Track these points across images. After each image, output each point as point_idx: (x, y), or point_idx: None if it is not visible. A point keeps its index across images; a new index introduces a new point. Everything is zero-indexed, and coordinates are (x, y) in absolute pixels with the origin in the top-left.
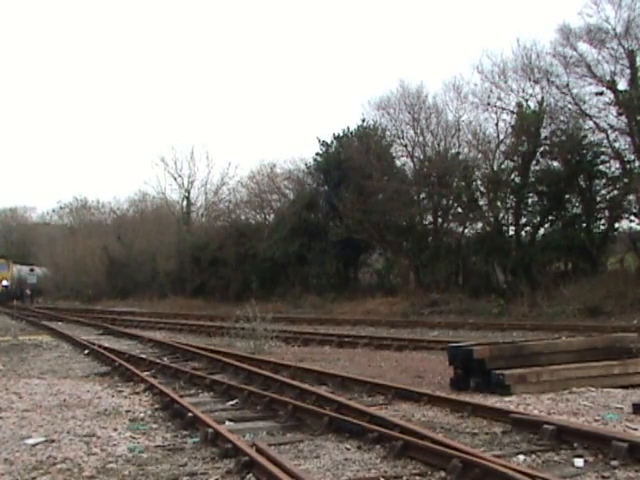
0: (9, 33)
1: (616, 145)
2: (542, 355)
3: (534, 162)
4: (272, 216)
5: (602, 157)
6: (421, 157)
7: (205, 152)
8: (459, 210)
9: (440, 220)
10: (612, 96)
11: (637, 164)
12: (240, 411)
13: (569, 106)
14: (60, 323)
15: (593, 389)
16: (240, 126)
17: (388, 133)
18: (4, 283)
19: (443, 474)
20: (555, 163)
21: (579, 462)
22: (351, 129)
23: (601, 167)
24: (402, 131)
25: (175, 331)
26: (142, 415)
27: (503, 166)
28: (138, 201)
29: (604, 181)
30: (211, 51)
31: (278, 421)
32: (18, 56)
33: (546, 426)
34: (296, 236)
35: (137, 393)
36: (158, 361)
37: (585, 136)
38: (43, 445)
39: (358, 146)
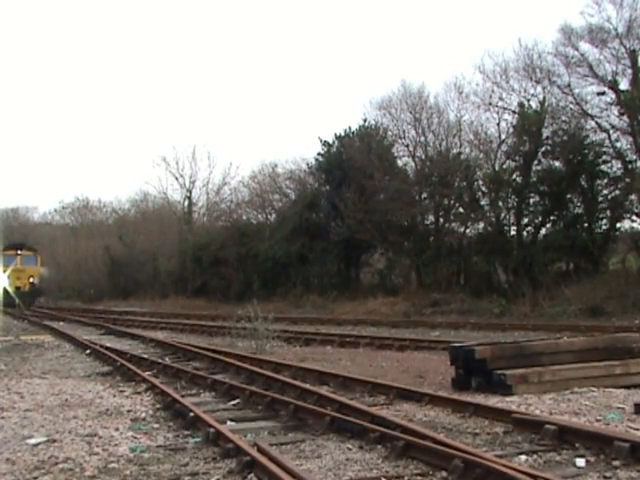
0: (11, 33)
1: (618, 145)
2: (544, 355)
3: (536, 162)
4: (274, 216)
5: (604, 157)
6: (422, 157)
7: (206, 152)
8: (460, 210)
9: (442, 220)
10: (614, 96)
11: (639, 164)
12: (241, 411)
13: (571, 106)
14: (62, 323)
15: (595, 389)
16: (242, 126)
17: (390, 133)
18: (31, 280)
19: (445, 474)
20: (557, 163)
21: (581, 462)
22: (353, 129)
23: (603, 167)
24: (404, 131)
25: (177, 331)
26: (144, 415)
27: (505, 166)
28: (139, 201)
29: (606, 181)
30: (213, 51)
31: (280, 421)
32: (20, 56)
33: (548, 426)
34: (297, 236)
35: (139, 393)
36: (160, 361)
37: (587, 136)
38: (45, 445)
39: (360, 146)
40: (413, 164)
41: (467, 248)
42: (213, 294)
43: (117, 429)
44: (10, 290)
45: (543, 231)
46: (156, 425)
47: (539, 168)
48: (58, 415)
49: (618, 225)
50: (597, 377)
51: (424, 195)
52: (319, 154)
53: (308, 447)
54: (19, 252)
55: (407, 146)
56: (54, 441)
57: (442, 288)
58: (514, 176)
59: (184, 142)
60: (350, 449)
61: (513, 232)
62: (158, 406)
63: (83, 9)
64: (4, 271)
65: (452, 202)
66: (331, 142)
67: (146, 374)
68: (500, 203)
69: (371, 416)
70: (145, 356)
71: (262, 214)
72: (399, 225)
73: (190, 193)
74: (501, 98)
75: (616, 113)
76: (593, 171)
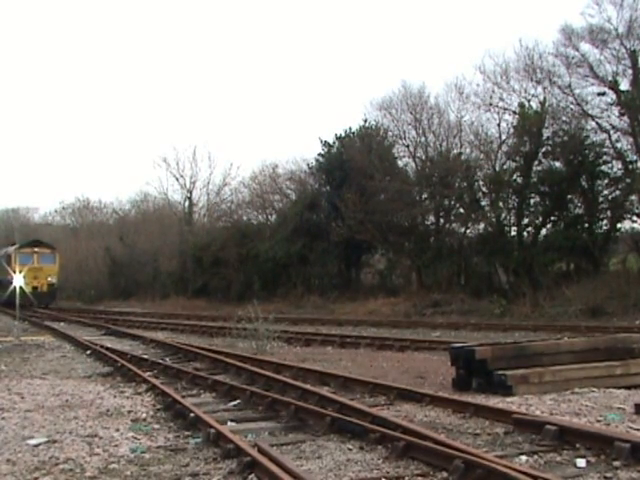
0: (12, 34)
1: (618, 145)
2: (544, 355)
3: (536, 162)
4: (274, 216)
5: (604, 157)
6: (423, 157)
7: (207, 152)
8: (461, 210)
9: (442, 220)
10: (614, 96)
11: (639, 164)
12: (242, 411)
13: (571, 106)
14: (62, 324)
15: (595, 390)
16: (242, 126)
17: (390, 133)
18: (49, 280)
19: (445, 474)
20: (557, 163)
21: (581, 463)
22: (353, 129)
23: (603, 167)
24: (404, 131)
25: (177, 331)
26: (144, 415)
27: (505, 166)
28: (140, 202)
29: (606, 181)
30: (213, 52)
31: (280, 422)
32: (20, 56)
33: (548, 427)
34: (298, 236)
35: (139, 393)
36: (160, 361)
37: (587, 136)
38: (45, 445)
39: (360, 146)
40: (414, 165)
41: (467, 249)
42: (213, 295)
43: (118, 430)
44: (27, 290)
45: (544, 231)
46: (157, 426)
47: (539, 168)
48: (59, 416)
49: (618, 226)
50: (598, 377)
51: (424, 196)
52: (319, 154)
53: (309, 448)
54: (36, 250)
55: (407, 147)
56: (55, 442)
57: (442, 289)
58: (514, 176)
59: (185, 143)
60: (351, 450)
61: (514, 233)
62: (159, 407)
63: (84, 10)
64: (20, 270)
65: (453, 203)
66: (331, 142)
67: (147, 375)
68: (500, 204)
69: (372, 417)
70: (146, 357)
71: (262, 215)
72: (399, 226)
73: (191, 194)
74: (501, 98)
75: (616, 113)
76: (593, 171)
